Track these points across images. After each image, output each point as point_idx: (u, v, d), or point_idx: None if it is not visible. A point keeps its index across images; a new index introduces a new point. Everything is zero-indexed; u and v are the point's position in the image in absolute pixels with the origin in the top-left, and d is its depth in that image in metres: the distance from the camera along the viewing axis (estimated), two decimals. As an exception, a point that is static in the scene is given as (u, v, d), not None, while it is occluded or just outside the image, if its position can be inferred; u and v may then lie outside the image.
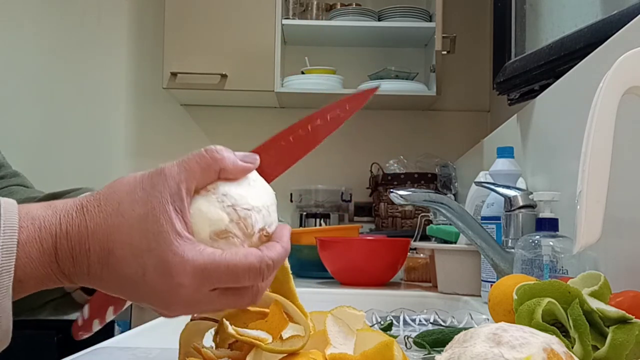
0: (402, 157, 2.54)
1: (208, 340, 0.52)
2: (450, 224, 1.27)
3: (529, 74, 1.34)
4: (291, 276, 0.53)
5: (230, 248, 0.45)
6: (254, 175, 0.50)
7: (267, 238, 0.48)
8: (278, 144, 0.57)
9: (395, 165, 2.51)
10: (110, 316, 0.59)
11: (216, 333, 0.51)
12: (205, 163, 0.46)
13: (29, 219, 0.44)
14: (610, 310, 0.52)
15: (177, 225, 0.44)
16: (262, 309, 0.51)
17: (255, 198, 0.47)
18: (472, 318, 0.92)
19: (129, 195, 0.45)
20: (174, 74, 2.48)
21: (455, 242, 1.43)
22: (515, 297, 0.57)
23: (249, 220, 0.46)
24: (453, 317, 0.95)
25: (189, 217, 0.45)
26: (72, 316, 0.61)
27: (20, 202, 0.46)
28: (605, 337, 0.51)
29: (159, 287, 0.44)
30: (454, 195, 2.30)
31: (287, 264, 0.53)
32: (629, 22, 0.88)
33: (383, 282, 1.60)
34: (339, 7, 2.67)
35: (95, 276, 0.44)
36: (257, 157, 0.51)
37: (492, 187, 1.17)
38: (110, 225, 0.44)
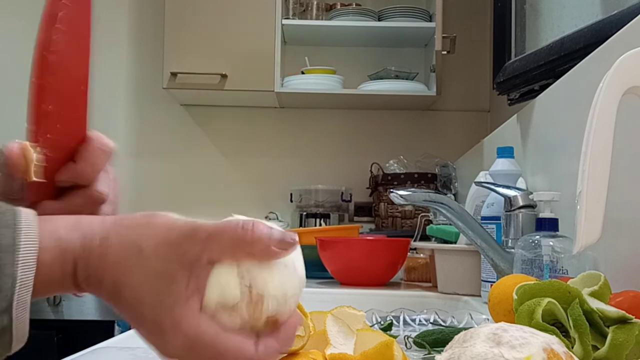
0: (402, 157, 2.54)
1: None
2: (450, 224, 1.27)
3: (529, 74, 1.34)
4: None
5: (232, 325, 0.44)
6: (290, 257, 0.48)
7: (274, 325, 0.46)
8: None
9: (395, 165, 2.51)
10: None
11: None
12: (237, 240, 0.45)
13: (54, 239, 0.44)
14: (610, 310, 0.52)
15: (187, 292, 0.44)
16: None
17: (277, 285, 0.46)
18: (472, 318, 0.92)
19: (154, 246, 0.45)
20: (174, 74, 2.48)
21: (455, 242, 1.43)
22: (515, 297, 0.57)
23: (260, 305, 0.45)
24: (453, 317, 0.95)
25: (205, 286, 0.44)
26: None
27: None
28: (605, 337, 0.51)
29: (150, 340, 0.45)
30: (454, 195, 2.30)
31: None
32: (629, 22, 0.88)
33: (383, 282, 1.60)
34: (339, 7, 2.67)
35: (105, 297, 0.46)
36: (296, 238, 0.49)
37: (492, 187, 1.17)
38: (126, 267, 0.44)
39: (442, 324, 0.93)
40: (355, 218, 2.72)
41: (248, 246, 0.45)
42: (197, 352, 0.43)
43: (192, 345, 0.43)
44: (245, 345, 0.44)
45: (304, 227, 2.53)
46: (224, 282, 0.44)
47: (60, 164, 0.51)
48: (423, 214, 1.84)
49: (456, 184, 2.35)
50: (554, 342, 0.41)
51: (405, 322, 0.92)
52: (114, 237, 0.45)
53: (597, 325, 0.52)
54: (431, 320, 0.94)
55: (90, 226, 0.46)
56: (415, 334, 0.80)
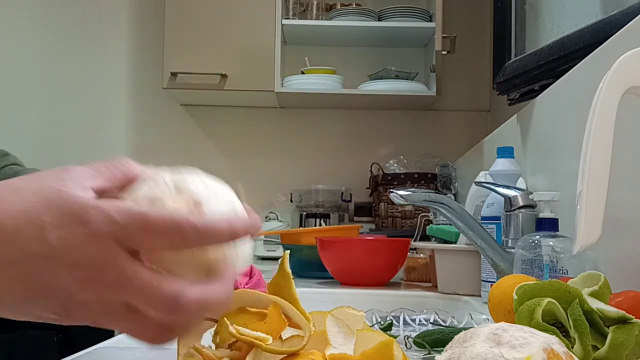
0: (402, 157, 2.54)
1: (205, 340, 0.52)
2: (450, 224, 1.27)
3: (529, 74, 1.34)
4: (292, 281, 0.52)
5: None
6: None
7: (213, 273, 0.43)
8: None
9: (395, 165, 2.51)
10: None
11: (215, 333, 0.51)
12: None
13: None
14: (610, 310, 0.52)
15: (85, 191, 0.40)
16: (260, 310, 0.51)
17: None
18: (472, 318, 0.92)
19: (24, 180, 0.41)
20: (174, 74, 2.48)
21: (455, 242, 1.43)
22: (515, 297, 0.57)
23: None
24: (453, 317, 0.95)
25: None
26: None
27: None
28: (605, 337, 0.51)
29: (65, 243, 0.39)
30: (454, 195, 2.30)
31: (288, 268, 0.53)
32: (629, 22, 0.88)
33: (383, 282, 1.60)
34: (339, 7, 2.67)
35: None
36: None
37: (492, 187, 1.17)
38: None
39: (442, 324, 0.93)
40: (355, 218, 2.72)
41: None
42: (124, 225, 0.39)
43: (115, 220, 0.39)
44: (180, 212, 0.41)
45: (304, 227, 2.53)
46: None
47: None
48: (423, 214, 1.84)
49: (456, 184, 2.35)
50: (554, 342, 0.41)
51: (405, 322, 0.92)
52: None
53: (597, 325, 0.52)
54: (431, 320, 0.94)
55: None
56: (415, 334, 0.80)
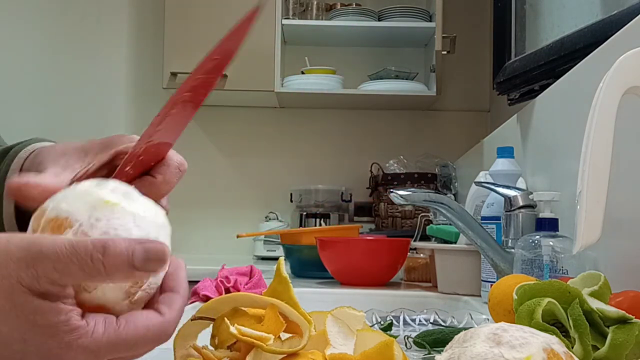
0: (402, 157, 2.54)
1: (201, 341, 0.52)
2: (450, 224, 1.27)
3: (529, 74, 1.34)
4: (291, 285, 0.52)
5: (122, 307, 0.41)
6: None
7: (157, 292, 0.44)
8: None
9: (395, 165, 2.51)
10: None
11: (213, 336, 0.51)
12: (90, 273, 0.39)
13: None
14: (610, 310, 0.52)
15: (55, 316, 0.39)
16: (258, 311, 0.51)
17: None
18: (472, 318, 0.92)
19: None
20: (174, 74, 2.48)
21: (455, 242, 1.43)
22: (515, 297, 0.57)
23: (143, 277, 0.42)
24: (453, 317, 0.95)
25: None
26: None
27: None
28: (605, 337, 0.51)
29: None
30: (454, 195, 2.30)
31: (284, 273, 0.53)
32: (629, 22, 0.88)
33: (383, 282, 1.60)
34: (339, 7, 2.67)
35: None
36: (167, 252, 0.42)
37: (492, 187, 1.17)
38: None
39: (442, 324, 0.93)
40: (355, 218, 2.72)
41: (103, 278, 0.40)
42: (107, 355, 0.40)
43: (97, 355, 0.39)
44: (152, 320, 0.41)
45: (304, 227, 2.53)
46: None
47: (134, 178, 0.51)
48: (423, 214, 1.84)
49: (456, 184, 2.35)
50: (554, 342, 0.41)
51: (405, 322, 0.92)
52: None
53: (597, 325, 0.52)
54: (431, 320, 0.94)
55: None
56: (415, 334, 0.80)
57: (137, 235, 0.42)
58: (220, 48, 0.49)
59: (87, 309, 0.41)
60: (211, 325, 0.51)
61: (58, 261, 0.38)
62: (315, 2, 2.67)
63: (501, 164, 1.27)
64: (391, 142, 2.79)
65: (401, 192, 1.11)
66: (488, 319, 0.86)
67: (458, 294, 1.35)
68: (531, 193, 1.09)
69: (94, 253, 0.39)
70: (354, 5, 2.68)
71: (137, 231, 0.43)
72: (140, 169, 0.52)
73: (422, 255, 1.71)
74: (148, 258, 0.40)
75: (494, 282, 0.93)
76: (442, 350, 0.43)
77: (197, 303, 1.12)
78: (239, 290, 1.16)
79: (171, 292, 0.44)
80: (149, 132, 0.48)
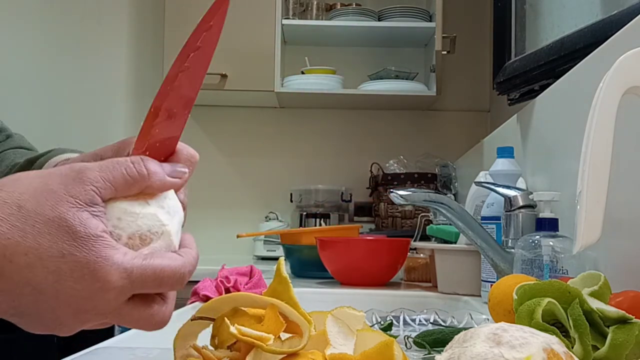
0: (402, 157, 2.54)
1: (201, 341, 0.52)
2: (450, 224, 1.27)
3: (529, 74, 1.34)
4: (291, 286, 0.52)
5: (153, 252, 0.44)
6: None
7: (178, 245, 0.47)
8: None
9: (395, 165, 2.52)
10: None
11: (213, 336, 0.51)
12: (132, 178, 0.43)
13: None
14: (610, 310, 0.52)
15: (96, 228, 0.40)
16: (258, 311, 0.51)
17: (174, 209, 0.47)
18: (472, 318, 0.92)
19: (34, 197, 0.40)
20: (174, 74, 2.48)
21: (455, 242, 1.43)
22: (515, 297, 0.57)
23: (169, 227, 0.45)
24: (453, 317, 0.95)
25: (107, 221, 0.42)
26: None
27: (16, 166, 0.44)
28: (605, 337, 0.51)
29: (75, 293, 0.40)
30: (454, 195, 2.30)
31: (284, 273, 0.53)
32: (629, 22, 0.88)
33: (383, 282, 1.60)
34: (339, 7, 2.67)
35: None
36: (186, 171, 0.47)
37: (492, 187, 1.17)
38: (8, 229, 0.39)
39: (442, 324, 0.93)
40: (355, 218, 2.72)
41: (144, 181, 0.44)
42: (136, 280, 0.41)
43: (129, 274, 0.41)
44: (173, 258, 0.44)
45: (304, 227, 2.53)
46: (127, 216, 0.43)
47: None
48: (423, 214, 1.84)
49: (456, 184, 2.35)
50: (554, 342, 0.41)
51: (405, 322, 0.92)
52: None
53: (597, 325, 0.52)
54: (431, 320, 0.94)
55: None
56: (415, 334, 0.80)
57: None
58: (197, 37, 0.50)
59: None
60: (211, 325, 0.51)
61: (103, 168, 0.42)
62: (315, 2, 2.67)
63: (501, 164, 1.27)
64: (391, 142, 2.80)
65: (401, 192, 1.11)
66: (488, 319, 0.86)
67: (458, 294, 1.35)
68: (531, 193, 1.09)
69: (134, 159, 0.44)
70: (354, 5, 2.68)
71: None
72: None
73: (422, 255, 1.71)
74: (175, 169, 0.46)
75: (494, 282, 0.93)
76: (442, 350, 0.43)
77: (197, 303, 1.12)
78: (239, 290, 1.16)
79: (186, 248, 0.47)
80: (147, 127, 0.49)
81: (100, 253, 0.40)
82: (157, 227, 0.44)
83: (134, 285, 0.42)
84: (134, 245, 0.43)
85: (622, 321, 0.52)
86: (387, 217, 2.49)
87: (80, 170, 0.42)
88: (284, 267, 0.53)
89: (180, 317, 0.54)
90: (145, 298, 0.44)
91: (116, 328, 2.06)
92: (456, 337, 0.43)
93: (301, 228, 2.50)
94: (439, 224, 1.55)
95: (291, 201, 2.67)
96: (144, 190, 0.45)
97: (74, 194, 0.40)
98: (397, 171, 2.49)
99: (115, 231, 0.43)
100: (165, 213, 0.45)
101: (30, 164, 0.65)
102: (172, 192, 0.48)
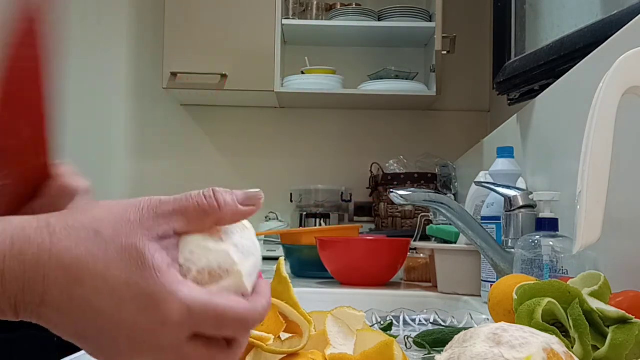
0: (402, 157, 2.54)
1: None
2: (450, 224, 1.27)
3: (529, 74, 1.34)
4: (291, 285, 0.52)
5: (217, 289, 0.42)
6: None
7: (251, 289, 0.45)
8: None
9: (395, 165, 2.51)
10: None
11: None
12: (203, 210, 0.43)
13: None
14: (610, 310, 0.52)
15: (164, 261, 0.41)
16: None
17: (250, 245, 0.45)
18: (472, 318, 0.92)
19: (111, 225, 0.41)
20: (174, 74, 2.48)
21: (455, 242, 1.43)
22: (515, 297, 0.57)
23: (239, 266, 0.43)
24: (453, 317, 0.95)
25: (178, 256, 0.42)
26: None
27: None
28: (605, 337, 0.51)
29: (135, 323, 0.40)
30: (454, 195, 2.30)
31: (284, 273, 0.53)
32: (629, 22, 0.88)
33: (383, 282, 1.60)
34: (339, 7, 2.67)
35: (50, 306, 0.39)
36: (261, 197, 0.46)
37: (492, 187, 1.17)
38: (82, 253, 0.39)
39: (442, 324, 0.93)
40: (355, 218, 2.72)
41: (216, 212, 0.43)
42: (197, 317, 0.40)
43: (190, 310, 0.40)
44: (239, 302, 0.42)
45: (304, 227, 2.53)
46: (198, 250, 0.43)
47: (20, 197, 0.49)
48: (423, 214, 1.84)
49: (456, 184, 2.35)
50: (554, 342, 0.41)
51: (405, 322, 0.92)
52: (56, 225, 0.40)
53: (597, 325, 0.52)
54: (431, 320, 0.94)
55: (21, 217, 0.40)
56: (415, 334, 0.80)
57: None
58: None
59: None
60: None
61: (176, 201, 0.43)
62: (315, 2, 2.67)
63: (501, 164, 1.27)
64: (391, 142, 2.79)
65: (401, 192, 1.11)
66: (488, 319, 0.86)
67: (458, 294, 1.35)
68: (531, 193, 1.09)
69: (206, 192, 0.44)
70: (354, 5, 2.68)
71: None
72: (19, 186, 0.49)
73: (422, 255, 1.71)
74: (248, 197, 0.45)
75: (494, 282, 0.93)
76: (442, 350, 0.43)
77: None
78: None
79: (258, 294, 0.45)
80: None
81: (166, 286, 0.40)
82: (228, 264, 0.43)
83: (194, 322, 0.41)
84: (202, 281, 0.42)
85: (622, 321, 0.52)
86: (387, 217, 2.48)
87: (157, 203, 0.43)
88: (284, 267, 0.53)
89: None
90: (209, 340, 0.42)
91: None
92: (456, 337, 0.43)
93: (301, 228, 2.50)
94: (439, 224, 1.55)
95: (291, 201, 2.67)
96: (217, 222, 0.44)
97: (149, 226, 0.41)
98: (397, 171, 2.49)
99: (186, 264, 0.42)
100: (239, 252, 0.44)
101: None
102: (251, 233, 0.46)
